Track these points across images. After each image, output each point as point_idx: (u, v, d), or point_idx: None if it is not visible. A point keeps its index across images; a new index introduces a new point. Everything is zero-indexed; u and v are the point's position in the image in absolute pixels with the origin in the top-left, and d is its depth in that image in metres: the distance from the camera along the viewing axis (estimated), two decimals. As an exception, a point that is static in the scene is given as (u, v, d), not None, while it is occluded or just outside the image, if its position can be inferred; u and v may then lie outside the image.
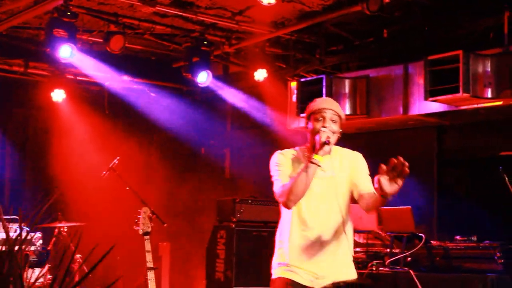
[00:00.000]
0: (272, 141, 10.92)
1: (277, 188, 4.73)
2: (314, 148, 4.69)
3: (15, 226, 8.08)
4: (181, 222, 11.94)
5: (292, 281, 4.73)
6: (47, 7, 8.30)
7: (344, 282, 4.84)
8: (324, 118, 4.70)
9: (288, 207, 4.68)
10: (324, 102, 4.85)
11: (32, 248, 8.35)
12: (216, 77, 10.84)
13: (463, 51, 7.79)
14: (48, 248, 9.31)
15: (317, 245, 4.76)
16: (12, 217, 7.81)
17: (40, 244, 8.54)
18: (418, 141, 9.76)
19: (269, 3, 7.38)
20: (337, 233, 4.78)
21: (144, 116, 11.70)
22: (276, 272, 4.84)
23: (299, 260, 4.76)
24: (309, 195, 4.69)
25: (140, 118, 11.71)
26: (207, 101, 11.86)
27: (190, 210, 12.13)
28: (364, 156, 9.68)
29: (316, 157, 4.60)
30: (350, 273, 4.89)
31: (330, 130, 4.65)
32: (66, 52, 8.58)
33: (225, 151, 12.22)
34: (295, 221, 4.77)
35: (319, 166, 4.60)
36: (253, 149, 11.49)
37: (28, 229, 7.63)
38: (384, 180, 4.44)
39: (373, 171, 9.58)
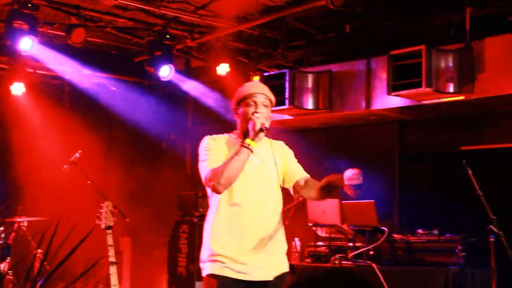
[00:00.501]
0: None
1: (205, 172, 4.55)
2: (246, 134, 4.59)
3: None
4: (142, 216, 11.87)
5: (227, 278, 4.51)
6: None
7: (284, 273, 4.69)
8: (255, 103, 4.61)
9: (218, 191, 4.51)
10: (254, 87, 4.76)
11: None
12: (178, 71, 10.80)
13: (425, 46, 7.84)
14: (9, 242, 9.21)
15: (252, 231, 4.60)
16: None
17: (2, 237, 8.42)
18: (380, 136, 9.81)
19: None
20: (273, 220, 4.68)
21: (105, 110, 11.61)
22: (208, 267, 4.60)
23: (234, 250, 4.55)
24: (243, 180, 4.55)
25: (101, 112, 11.63)
26: (169, 95, 11.79)
27: (152, 204, 12.07)
28: (327, 150, 9.76)
29: (250, 142, 4.49)
30: (287, 265, 4.76)
31: (263, 116, 4.57)
32: (27, 44, 8.48)
33: (186, 146, 12.16)
34: (226, 208, 4.60)
35: (251, 151, 4.50)
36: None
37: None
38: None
39: (333, 166, 9.59)
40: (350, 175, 8.72)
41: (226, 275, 4.50)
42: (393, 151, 9.75)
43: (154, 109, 11.75)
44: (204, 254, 4.65)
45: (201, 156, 4.66)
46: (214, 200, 4.67)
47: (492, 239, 6.13)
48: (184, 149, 12.18)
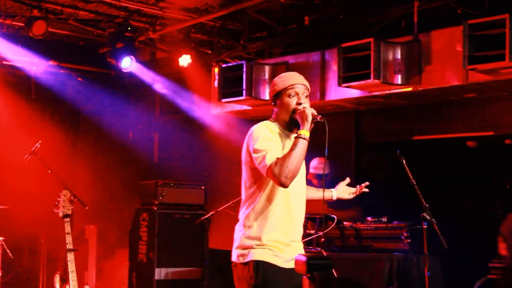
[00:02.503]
0: (197, 127, 11.13)
1: (267, 164, 4.43)
2: (293, 124, 4.61)
3: None
4: (108, 204, 12.09)
5: (274, 265, 4.51)
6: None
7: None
8: (297, 94, 4.62)
9: (285, 185, 4.43)
10: (295, 77, 4.74)
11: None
12: (143, 62, 11.00)
13: (374, 38, 8.04)
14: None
15: (297, 223, 4.69)
16: None
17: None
18: (336, 126, 10.01)
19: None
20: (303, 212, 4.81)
21: (71, 101, 11.80)
22: (256, 254, 4.56)
23: (282, 240, 4.58)
24: None
25: (67, 103, 11.82)
26: (136, 85, 11.95)
27: (119, 193, 12.25)
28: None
29: (305, 133, 4.49)
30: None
31: (308, 106, 4.61)
32: (-14, 37, 8.65)
33: (154, 135, 12.33)
34: (278, 199, 4.58)
35: (308, 141, 4.50)
36: (180, 134, 11.64)
37: None
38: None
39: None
40: (316, 164, 8.94)
41: (274, 263, 4.52)
42: (350, 141, 9.98)
43: (120, 100, 11.93)
44: (248, 241, 4.61)
45: (259, 145, 4.52)
46: (263, 190, 4.62)
47: (425, 226, 6.40)
48: (151, 139, 12.34)
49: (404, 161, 6.53)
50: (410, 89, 8.27)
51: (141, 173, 11.92)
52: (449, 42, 7.91)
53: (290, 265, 4.47)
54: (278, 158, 4.42)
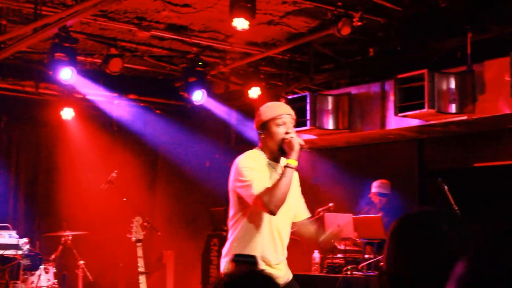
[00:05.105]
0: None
1: (253, 193, 4.61)
2: (280, 153, 4.81)
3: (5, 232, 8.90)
4: (185, 230, 12.58)
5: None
6: (48, 33, 9.01)
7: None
8: (285, 123, 4.80)
9: (274, 213, 4.65)
10: (280, 107, 4.96)
11: (20, 252, 9.05)
12: (217, 95, 11.54)
13: (428, 69, 8.36)
14: (56, 255, 10.05)
15: (283, 241, 4.96)
16: (1, 225, 8.60)
17: (27, 248, 9.22)
18: (399, 154, 10.31)
19: (243, 29, 8.00)
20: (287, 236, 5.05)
21: (149, 132, 12.42)
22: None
23: (271, 258, 4.84)
24: None
25: (145, 135, 12.44)
26: (211, 117, 12.43)
27: (195, 219, 12.71)
28: (353, 167, 10.20)
29: (292, 162, 4.69)
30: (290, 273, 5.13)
31: (295, 136, 4.81)
32: (67, 74, 9.22)
33: (229, 165, 12.74)
34: (265, 222, 4.82)
35: (295, 170, 4.73)
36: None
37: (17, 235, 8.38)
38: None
39: (356, 184, 10.12)
40: (377, 184, 9.34)
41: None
42: (413, 168, 10.24)
43: (197, 130, 12.46)
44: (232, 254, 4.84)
45: (244, 177, 4.72)
46: (246, 217, 4.83)
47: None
48: (227, 168, 12.77)
49: (446, 187, 6.80)
50: (464, 117, 8.52)
51: (217, 200, 12.35)
52: (500, 72, 8.15)
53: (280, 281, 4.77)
54: (267, 188, 4.62)
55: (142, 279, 8.62)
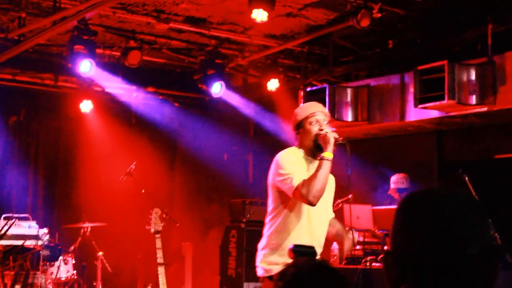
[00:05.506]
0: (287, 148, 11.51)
1: (293, 186, 4.76)
2: (316, 150, 4.92)
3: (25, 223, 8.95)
4: (203, 222, 12.62)
5: None
6: (67, 26, 9.04)
7: None
8: (318, 121, 4.95)
9: (313, 204, 4.78)
10: (315, 106, 5.11)
11: (39, 242, 9.08)
12: (235, 87, 11.53)
13: (448, 61, 8.32)
14: (75, 246, 10.11)
15: (316, 243, 5.01)
16: (22, 215, 8.64)
17: (47, 239, 9.25)
18: (418, 147, 10.28)
19: (262, 21, 8.00)
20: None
21: (168, 125, 12.44)
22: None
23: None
24: None
25: (164, 127, 12.46)
26: (229, 110, 12.44)
27: (214, 211, 12.75)
28: (372, 159, 10.19)
29: (329, 155, 4.81)
30: None
31: (330, 131, 4.93)
32: (86, 67, 9.26)
33: (247, 157, 12.79)
34: (303, 217, 4.95)
35: (331, 162, 4.81)
36: (272, 155, 12.01)
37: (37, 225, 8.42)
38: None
39: (375, 176, 10.08)
40: (395, 179, 9.29)
41: None
42: (432, 160, 10.20)
43: (215, 123, 12.47)
44: (274, 257, 5.02)
45: (284, 169, 4.86)
46: (286, 211, 4.95)
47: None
48: (246, 160, 12.80)
49: (467, 179, 6.75)
50: (485, 109, 8.48)
51: (236, 192, 12.38)
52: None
53: None
54: (304, 179, 4.75)
55: (161, 270, 8.65)
